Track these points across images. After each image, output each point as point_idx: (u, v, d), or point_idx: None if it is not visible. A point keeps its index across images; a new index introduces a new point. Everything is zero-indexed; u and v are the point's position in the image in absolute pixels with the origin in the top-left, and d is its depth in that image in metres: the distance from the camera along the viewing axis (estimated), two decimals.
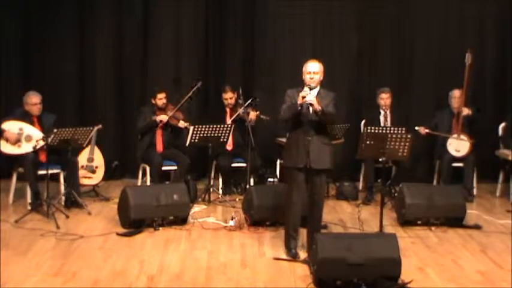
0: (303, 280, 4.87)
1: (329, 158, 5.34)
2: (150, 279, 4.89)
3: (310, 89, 5.22)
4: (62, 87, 8.42)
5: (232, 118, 7.56)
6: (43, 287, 4.72)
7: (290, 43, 8.51)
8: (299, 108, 5.20)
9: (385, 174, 5.97)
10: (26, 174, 6.79)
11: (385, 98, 7.71)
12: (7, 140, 6.68)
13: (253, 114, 7.56)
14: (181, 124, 7.46)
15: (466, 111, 7.51)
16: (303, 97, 5.14)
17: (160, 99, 7.47)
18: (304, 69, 5.34)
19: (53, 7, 8.26)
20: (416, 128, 7.50)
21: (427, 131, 7.58)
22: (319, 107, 5.16)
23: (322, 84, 5.38)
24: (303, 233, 5.58)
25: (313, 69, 5.29)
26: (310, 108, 5.23)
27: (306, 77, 5.30)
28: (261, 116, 7.59)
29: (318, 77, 5.29)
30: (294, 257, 5.32)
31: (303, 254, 5.37)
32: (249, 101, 7.48)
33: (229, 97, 7.76)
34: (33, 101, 6.91)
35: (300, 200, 5.37)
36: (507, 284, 4.89)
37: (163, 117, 7.38)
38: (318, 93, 5.29)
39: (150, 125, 7.42)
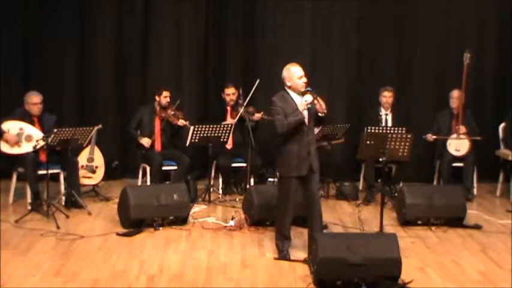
0: (303, 280, 4.87)
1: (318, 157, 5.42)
2: (150, 279, 4.89)
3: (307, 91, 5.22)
4: (62, 87, 8.40)
5: (236, 118, 7.53)
6: (43, 287, 4.72)
7: (290, 43, 8.50)
8: (303, 117, 5.17)
9: (385, 174, 5.97)
10: (26, 174, 6.79)
11: (387, 97, 7.70)
12: (7, 142, 6.69)
13: (257, 116, 7.56)
14: (181, 122, 7.47)
15: (462, 130, 7.48)
16: (308, 103, 5.12)
17: (166, 97, 7.50)
18: (293, 74, 5.21)
19: (53, 7, 8.24)
20: (423, 136, 7.49)
21: (434, 137, 7.58)
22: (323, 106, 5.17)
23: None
24: (304, 232, 5.58)
25: (303, 73, 5.24)
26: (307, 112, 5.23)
27: (299, 82, 5.21)
28: (264, 117, 7.57)
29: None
30: (285, 258, 5.33)
31: (303, 254, 5.37)
32: (246, 101, 7.48)
33: (231, 92, 7.71)
34: (34, 100, 6.92)
35: (294, 203, 5.37)
36: (507, 284, 4.89)
37: (147, 142, 7.39)
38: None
39: (134, 138, 7.51)
